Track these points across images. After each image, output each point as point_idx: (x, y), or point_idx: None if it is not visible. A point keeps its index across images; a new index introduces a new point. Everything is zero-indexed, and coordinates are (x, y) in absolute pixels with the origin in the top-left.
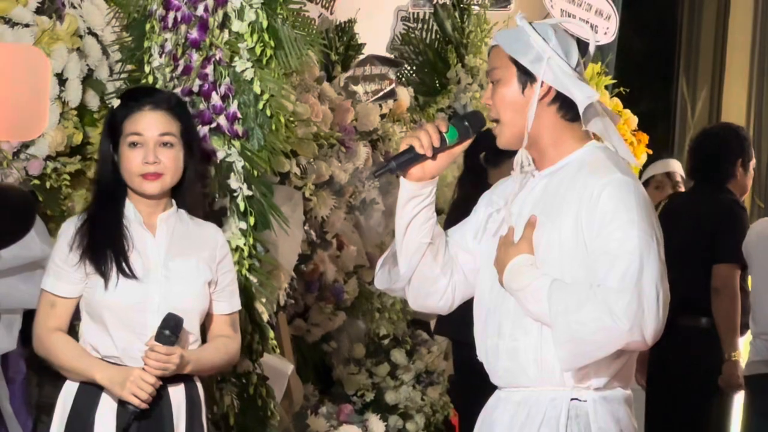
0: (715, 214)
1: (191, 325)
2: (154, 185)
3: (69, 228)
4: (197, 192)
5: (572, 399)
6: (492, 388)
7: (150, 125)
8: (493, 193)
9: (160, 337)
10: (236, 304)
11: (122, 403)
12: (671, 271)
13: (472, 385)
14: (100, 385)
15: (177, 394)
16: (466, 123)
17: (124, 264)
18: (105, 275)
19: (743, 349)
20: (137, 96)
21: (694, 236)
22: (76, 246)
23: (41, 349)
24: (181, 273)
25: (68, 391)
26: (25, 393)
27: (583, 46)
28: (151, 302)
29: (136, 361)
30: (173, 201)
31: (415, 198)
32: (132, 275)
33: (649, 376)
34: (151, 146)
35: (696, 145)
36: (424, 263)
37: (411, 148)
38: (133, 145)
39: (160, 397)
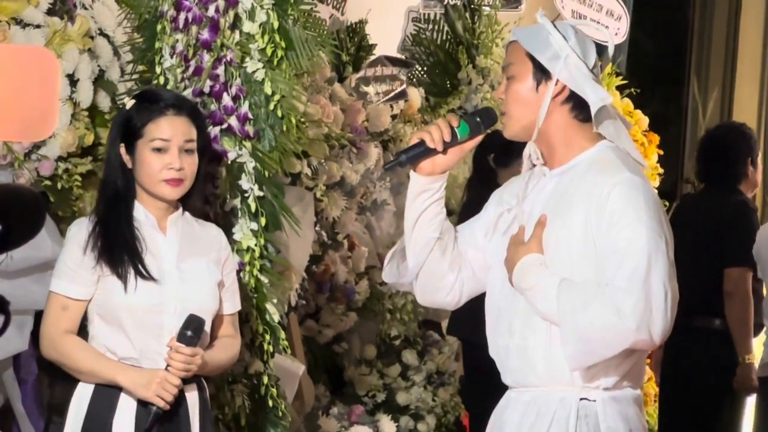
0: (725, 216)
1: (206, 326)
2: (176, 191)
3: (80, 231)
4: (203, 194)
5: (581, 399)
6: (502, 389)
7: (176, 131)
8: (503, 192)
9: (182, 338)
10: (237, 304)
11: (144, 405)
12: (684, 272)
13: (482, 386)
14: (121, 387)
15: (192, 395)
16: (478, 119)
17: (141, 266)
18: (123, 278)
19: (757, 350)
20: (156, 99)
21: (705, 238)
22: (90, 249)
23: (53, 352)
24: (194, 274)
25: (82, 394)
26: (36, 393)
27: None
28: (168, 304)
29: (154, 362)
30: (179, 202)
31: (425, 192)
32: (150, 277)
33: (662, 376)
34: (175, 152)
35: (704, 148)
36: (432, 258)
37: (421, 142)
38: (158, 150)
39: (179, 399)
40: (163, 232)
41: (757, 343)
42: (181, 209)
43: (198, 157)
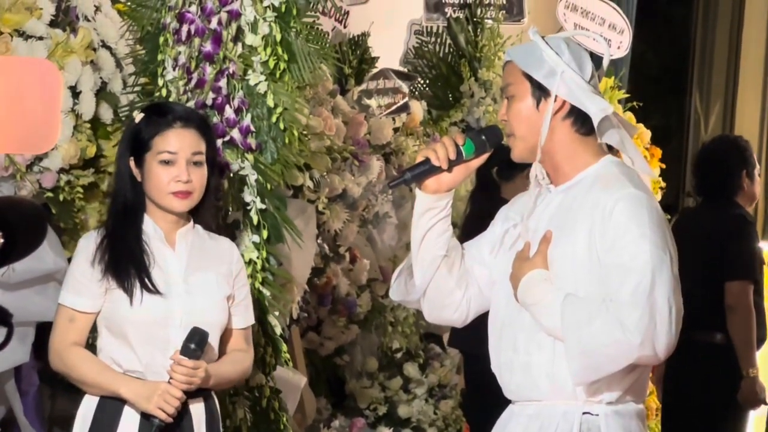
0: (723, 230)
1: (212, 339)
2: (184, 203)
3: (88, 244)
4: (213, 207)
5: (584, 413)
6: (503, 402)
7: (183, 144)
8: (510, 209)
9: (185, 350)
10: (250, 319)
11: (146, 417)
12: (684, 287)
13: (483, 399)
14: (124, 399)
15: (197, 408)
16: (483, 137)
17: (147, 280)
18: (129, 291)
19: (761, 364)
20: (164, 111)
21: (704, 252)
22: (98, 262)
23: (60, 364)
24: (202, 287)
25: (88, 406)
26: (38, 405)
27: (595, 59)
28: (174, 317)
29: (159, 375)
30: (189, 216)
31: (431, 210)
32: (156, 291)
33: (664, 390)
34: (183, 165)
35: (699, 162)
36: (439, 275)
37: (427, 160)
38: (165, 162)
39: (183, 412)
40: (173, 246)
41: (760, 357)
42: (191, 222)
43: (208, 170)
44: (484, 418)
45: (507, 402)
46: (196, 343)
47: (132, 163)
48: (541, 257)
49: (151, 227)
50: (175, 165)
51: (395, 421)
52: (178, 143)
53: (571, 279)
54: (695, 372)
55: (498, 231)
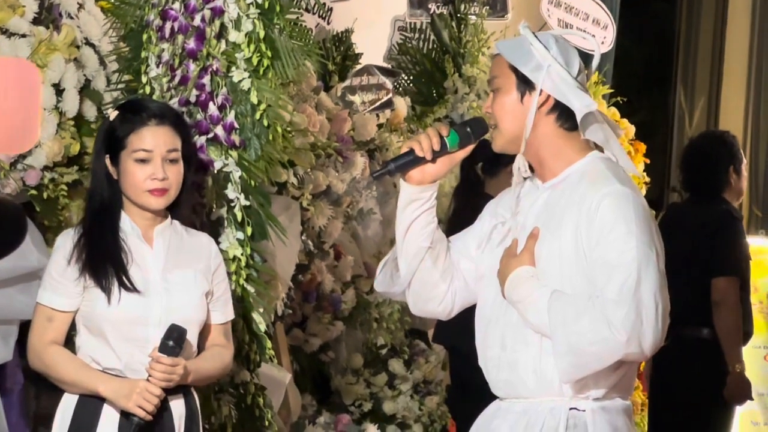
0: (710, 226)
1: (191, 336)
2: (161, 201)
3: (65, 242)
4: (191, 203)
5: (571, 408)
6: (489, 398)
7: (158, 141)
8: (498, 205)
9: (164, 348)
10: (229, 314)
11: (126, 415)
12: (671, 282)
13: (468, 395)
14: (103, 397)
15: (177, 405)
16: (468, 129)
17: (125, 278)
18: (107, 290)
19: (746, 359)
20: (139, 109)
21: (691, 248)
22: (75, 260)
23: (38, 362)
24: (180, 284)
25: (67, 405)
26: (22, 404)
27: (583, 56)
28: (153, 315)
29: (138, 373)
30: (167, 212)
31: (415, 201)
32: (134, 289)
33: (650, 385)
34: (159, 162)
35: (686, 157)
36: (424, 267)
37: (411, 151)
38: (141, 161)
39: (163, 409)
40: (150, 243)
41: (746, 353)
42: (169, 219)
43: (184, 166)
44: (470, 413)
45: (493, 398)
46: (174, 340)
47: (107, 161)
48: (528, 254)
49: (129, 225)
50: (150, 163)
51: (380, 418)
52: (153, 141)
53: (558, 276)
54: (681, 367)
55: (486, 226)
